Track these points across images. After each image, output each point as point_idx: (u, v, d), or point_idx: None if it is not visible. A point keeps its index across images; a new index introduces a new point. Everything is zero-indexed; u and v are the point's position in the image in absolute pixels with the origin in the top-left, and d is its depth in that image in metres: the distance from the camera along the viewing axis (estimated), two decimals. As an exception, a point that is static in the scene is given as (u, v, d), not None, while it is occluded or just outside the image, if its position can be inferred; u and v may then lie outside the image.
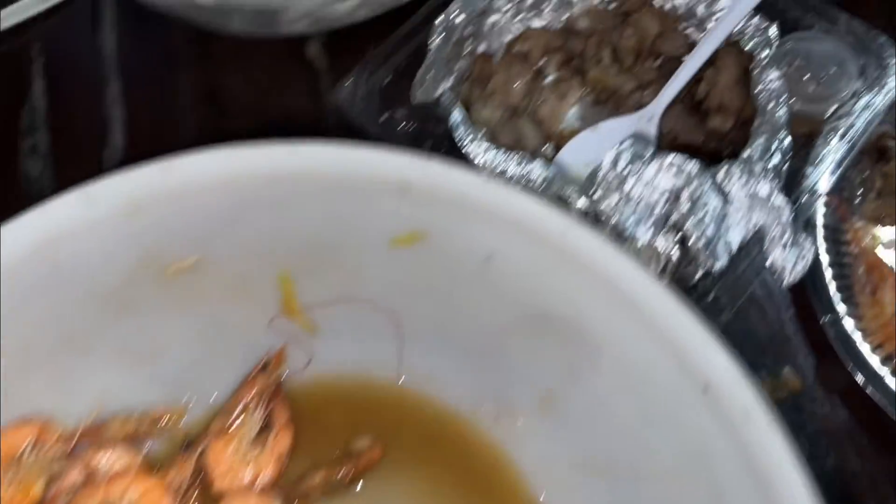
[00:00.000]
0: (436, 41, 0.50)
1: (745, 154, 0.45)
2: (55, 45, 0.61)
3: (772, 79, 0.48)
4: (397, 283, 0.44)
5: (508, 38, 0.59)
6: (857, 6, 0.61)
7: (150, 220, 0.38)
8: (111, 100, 0.60)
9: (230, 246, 0.42)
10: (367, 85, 0.50)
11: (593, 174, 0.44)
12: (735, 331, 0.49)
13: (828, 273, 0.50)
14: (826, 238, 0.51)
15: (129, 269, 0.41)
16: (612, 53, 0.56)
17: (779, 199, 0.42)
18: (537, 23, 0.59)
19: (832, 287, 0.49)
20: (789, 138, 0.46)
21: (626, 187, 0.42)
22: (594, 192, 0.43)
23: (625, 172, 0.42)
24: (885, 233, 0.52)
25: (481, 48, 0.58)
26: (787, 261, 0.41)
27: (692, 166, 0.41)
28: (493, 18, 0.57)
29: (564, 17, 0.59)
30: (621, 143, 0.44)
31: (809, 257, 0.41)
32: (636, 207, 0.42)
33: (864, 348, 0.48)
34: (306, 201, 0.39)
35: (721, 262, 0.41)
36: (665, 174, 0.42)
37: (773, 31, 0.51)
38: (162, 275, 0.42)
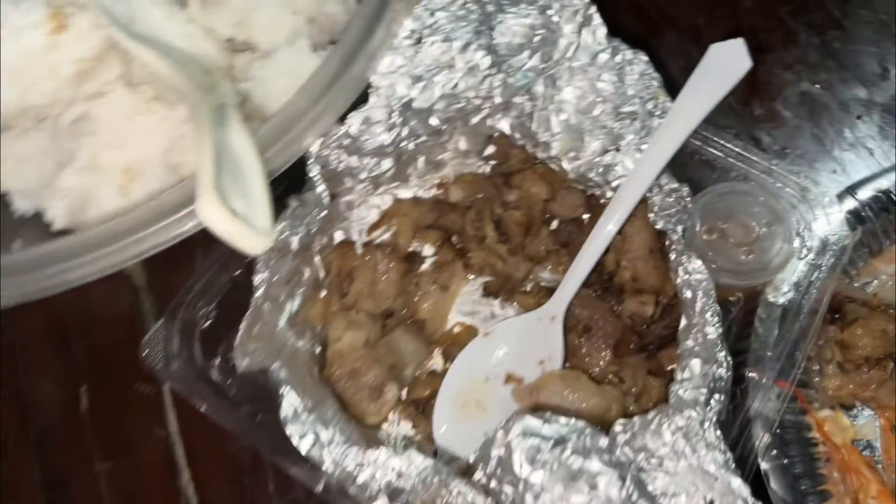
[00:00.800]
0: (262, 274, 0.38)
1: (675, 387, 0.35)
2: None
3: (695, 268, 0.38)
4: None
5: (371, 216, 0.48)
6: (775, 123, 0.52)
7: None
8: None
9: None
10: (180, 334, 0.39)
11: (486, 446, 0.33)
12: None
13: (802, 487, 0.40)
14: (790, 441, 0.41)
15: None
16: (496, 227, 0.46)
17: (731, 478, 0.31)
18: (405, 192, 0.49)
19: (809, 506, 0.39)
20: (726, 362, 0.35)
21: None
22: (490, 479, 0.32)
23: (523, 475, 0.31)
24: (856, 414, 0.43)
25: (339, 236, 0.47)
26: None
27: (608, 480, 0.30)
28: (347, 198, 0.46)
29: (436, 181, 0.49)
30: (511, 427, 0.32)
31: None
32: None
33: (860, 589, 0.38)
34: None
35: None
36: (576, 491, 0.30)
37: (686, 192, 0.41)
38: None
